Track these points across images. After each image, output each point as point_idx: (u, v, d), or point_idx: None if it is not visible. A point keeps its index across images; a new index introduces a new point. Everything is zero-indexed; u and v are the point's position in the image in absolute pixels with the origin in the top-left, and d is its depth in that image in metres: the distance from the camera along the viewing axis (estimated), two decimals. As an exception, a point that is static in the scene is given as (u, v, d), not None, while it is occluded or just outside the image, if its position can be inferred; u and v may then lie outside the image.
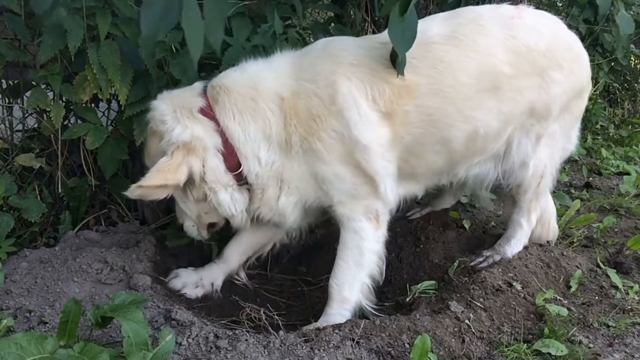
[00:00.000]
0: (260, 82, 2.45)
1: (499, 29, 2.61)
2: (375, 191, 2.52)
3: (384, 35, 2.40)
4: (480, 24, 2.61)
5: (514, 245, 2.92)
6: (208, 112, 2.43)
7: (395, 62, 2.41)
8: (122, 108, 2.88)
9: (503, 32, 2.61)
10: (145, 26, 1.69)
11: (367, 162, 2.44)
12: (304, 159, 2.44)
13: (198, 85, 2.54)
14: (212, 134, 2.42)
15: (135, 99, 2.80)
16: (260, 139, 2.43)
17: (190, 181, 2.42)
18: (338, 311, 2.54)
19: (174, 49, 2.73)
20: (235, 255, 2.90)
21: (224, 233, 2.88)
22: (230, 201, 2.50)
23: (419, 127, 2.51)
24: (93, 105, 3.07)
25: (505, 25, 2.63)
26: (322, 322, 2.48)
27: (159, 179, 2.30)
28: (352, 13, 3.74)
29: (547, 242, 3.11)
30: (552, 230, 3.16)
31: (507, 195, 3.05)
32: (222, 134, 2.43)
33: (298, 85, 2.43)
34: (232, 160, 2.45)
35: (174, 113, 2.41)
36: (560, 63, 2.70)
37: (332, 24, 3.56)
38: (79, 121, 3.06)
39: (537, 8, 4.58)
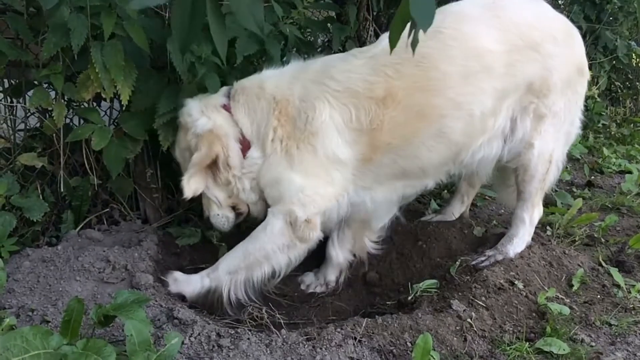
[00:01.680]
0: (265, 84, 2.74)
1: (481, 12, 2.68)
2: (313, 202, 2.62)
3: (372, 47, 2.72)
4: (460, 13, 2.69)
5: (517, 244, 2.91)
6: (228, 107, 2.73)
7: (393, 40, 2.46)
8: (124, 107, 2.88)
9: (485, 14, 2.68)
10: (178, 38, 1.76)
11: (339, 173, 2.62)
12: (279, 158, 2.63)
13: (225, 89, 2.82)
14: (232, 124, 2.71)
15: (166, 110, 2.85)
16: (255, 134, 2.70)
17: (216, 166, 2.68)
18: (202, 275, 2.69)
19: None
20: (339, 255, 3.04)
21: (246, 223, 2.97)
22: (249, 187, 2.74)
23: (407, 125, 2.58)
24: (95, 104, 3.08)
25: (487, 8, 2.70)
26: (182, 276, 2.69)
27: (198, 166, 2.62)
28: (348, 11, 3.75)
29: None
30: None
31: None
32: (239, 125, 2.72)
33: (290, 94, 2.66)
34: (246, 149, 2.72)
35: (201, 108, 2.71)
36: (554, 35, 2.72)
37: (331, 23, 3.56)
38: (80, 120, 3.07)
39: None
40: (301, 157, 2.59)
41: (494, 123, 2.73)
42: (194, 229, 3.12)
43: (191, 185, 2.62)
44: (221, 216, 2.81)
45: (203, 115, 2.68)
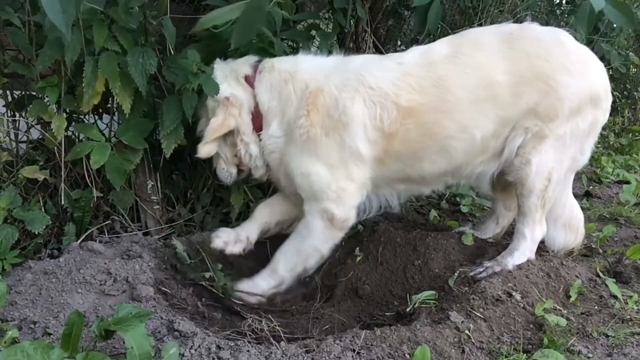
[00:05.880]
0: (299, 72, 2.91)
1: (497, 43, 2.82)
2: (341, 197, 2.84)
3: (403, 55, 2.94)
4: (479, 41, 2.86)
5: (517, 257, 2.91)
6: (250, 80, 2.93)
7: None
8: (127, 115, 2.92)
9: (501, 46, 2.80)
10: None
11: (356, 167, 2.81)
12: (304, 145, 2.80)
13: (252, 60, 3.01)
14: (249, 97, 2.93)
15: (173, 125, 2.92)
16: (278, 114, 2.89)
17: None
18: (266, 278, 2.98)
19: None
20: (264, 214, 3.21)
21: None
22: (255, 154, 2.98)
23: (418, 141, 2.80)
24: (96, 117, 3.12)
25: (504, 40, 2.83)
26: (252, 282, 2.98)
27: (213, 135, 2.86)
28: (332, 20, 3.78)
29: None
30: (580, 235, 3.27)
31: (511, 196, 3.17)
32: (255, 99, 2.93)
33: (326, 85, 2.82)
34: (257, 122, 2.95)
35: (225, 74, 2.92)
36: (566, 67, 2.78)
37: (316, 30, 3.60)
38: (79, 135, 3.10)
39: (536, 17, 4.66)
40: (328, 146, 2.78)
41: (495, 144, 2.88)
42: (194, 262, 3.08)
43: (205, 149, 2.88)
44: (226, 171, 3.09)
45: (225, 81, 2.89)
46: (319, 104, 2.78)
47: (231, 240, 3.10)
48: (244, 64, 2.97)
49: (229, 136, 2.96)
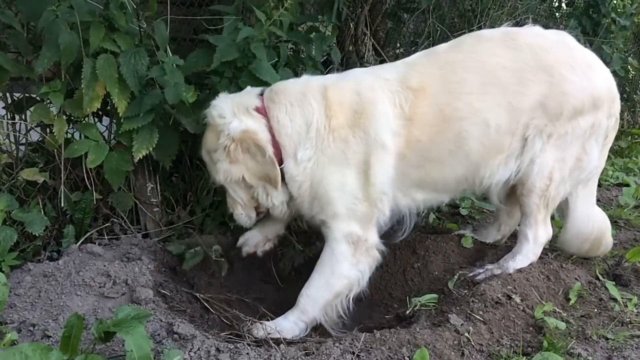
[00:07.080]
0: (311, 82, 2.85)
1: (499, 36, 2.89)
2: (369, 215, 2.73)
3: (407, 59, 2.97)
4: (480, 35, 2.97)
5: (519, 261, 2.90)
6: (262, 110, 2.74)
7: None
8: (122, 120, 2.92)
9: (502, 37, 2.87)
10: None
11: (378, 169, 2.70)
12: (336, 147, 2.69)
13: (256, 89, 2.87)
14: (264, 129, 2.71)
15: (132, 114, 2.88)
16: (303, 132, 2.70)
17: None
18: (295, 320, 2.69)
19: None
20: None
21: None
22: (272, 193, 2.78)
23: (433, 124, 2.74)
24: (96, 119, 3.12)
25: (505, 33, 2.91)
26: (275, 324, 2.64)
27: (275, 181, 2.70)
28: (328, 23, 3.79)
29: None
30: (605, 245, 3.21)
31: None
32: (272, 130, 2.72)
33: (343, 82, 2.81)
34: (277, 156, 2.71)
35: (232, 109, 2.72)
36: (570, 64, 2.79)
37: (315, 32, 3.61)
38: (82, 135, 3.10)
39: (535, 20, 4.68)
40: (357, 144, 2.69)
41: (510, 142, 2.81)
42: (194, 250, 3.12)
43: (278, 199, 2.80)
44: (244, 215, 2.91)
45: (235, 117, 2.70)
46: (343, 101, 2.72)
47: (261, 242, 3.13)
48: (250, 96, 2.80)
49: (243, 179, 2.76)
